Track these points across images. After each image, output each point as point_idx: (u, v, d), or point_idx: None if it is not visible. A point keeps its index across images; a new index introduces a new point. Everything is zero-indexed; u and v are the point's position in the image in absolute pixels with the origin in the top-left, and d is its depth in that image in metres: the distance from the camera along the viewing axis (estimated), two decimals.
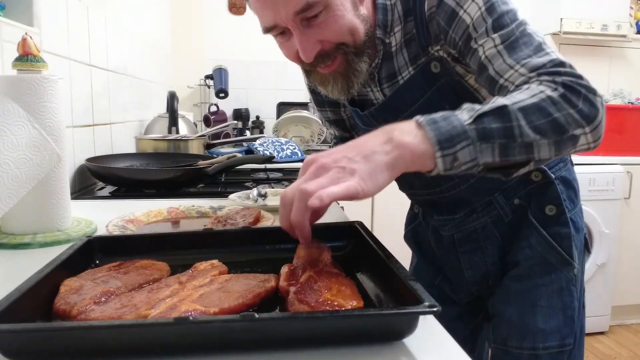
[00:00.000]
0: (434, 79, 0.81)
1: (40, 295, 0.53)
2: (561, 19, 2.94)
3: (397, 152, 0.57)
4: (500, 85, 0.70)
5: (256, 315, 0.45)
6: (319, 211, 0.63)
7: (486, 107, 0.61)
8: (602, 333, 2.72)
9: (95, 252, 0.69)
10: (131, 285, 0.59)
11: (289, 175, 1.65)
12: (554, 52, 0.70)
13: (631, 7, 3.18)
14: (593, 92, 0.65)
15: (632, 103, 2.93)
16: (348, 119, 1.06)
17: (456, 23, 0.74)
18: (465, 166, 0.60)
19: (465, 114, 0.60)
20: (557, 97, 0.62)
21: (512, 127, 0.60)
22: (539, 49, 0.70)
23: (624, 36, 3.07)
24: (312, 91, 1.05)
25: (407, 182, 0.99)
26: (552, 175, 0.88)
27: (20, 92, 0.80)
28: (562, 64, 0.67)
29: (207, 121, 2.81)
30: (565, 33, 2.96)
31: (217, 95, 2.80)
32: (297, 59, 0.78)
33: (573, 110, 0.63)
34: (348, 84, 0.80)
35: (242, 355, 0.46)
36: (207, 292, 0.55)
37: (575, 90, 0.64)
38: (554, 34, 2.99)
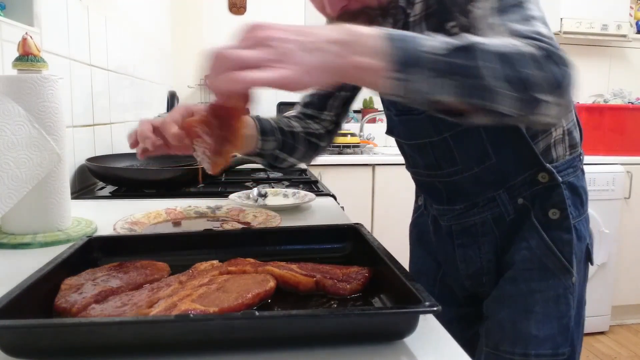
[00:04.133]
0: None
1: (40, 293, 0.54)
2: (561, 19, 2.94)
3: (345, 62, 0.54)
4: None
5: (256, 313, 0.45)
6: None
7: (460, 41, 0.58)
8: (602, 333, 2.72)
9: (95, 252, 0.69)
10: (131, 285, 0.59)
11: (289, 175, 1.65)
12: (544, 26, 0.66)
13: (631, 7, 3.18)
14: (570, 66, 0.63)
15: (632, 103, 2.93)
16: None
17: None
18: (417, 95, 0.57)
19: (437, 42, 0.57)
20: (530, 54, 0.60)
21: (478, 67, 0.57)
22: (528, 18, 0.67)
23: (624, 36, 3.07)
24: None
25: (412, 160, 0.99)
26: (560, 178, 0.86)
27: (20, 92, 0.80)
28: (544, 36, 0.64)
29: None
30: (565, 33, 2.96)
31: None
32: (324, 10, 0.81)
33: (541, 75, 0.60)
34: None
35: (242, 353, 0.46)
36: (206, 291, 0.55)
37: (555, 56, 0.62)
38: (554, 33, 3.00)
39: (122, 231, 0.81)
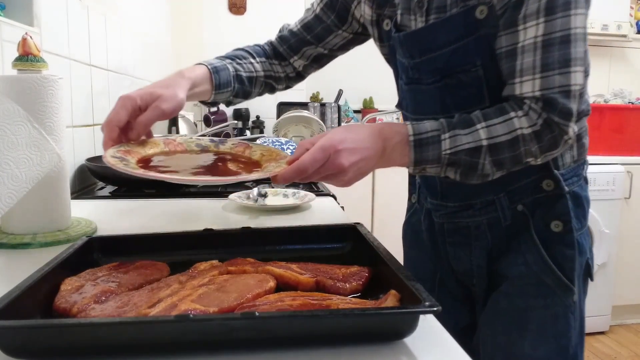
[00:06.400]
0: (474, 26, 0.76)
1: (40, 293, 0.54)
2: None
3: (383, 163, 0.74)
4: (512, 82, 0.74)
5: (256, 314, 0.45)
6: None
7: (468, 143, 0.72)
8: (602, 333, 2.72)
9: (95, 252, 0.69)
10: (131, 285, 0.59)
11: None
12: (577, 72, 0.71)
13: (631, 7, 3.18)
14: (565, 133, 0.73)
15: (632, 103, 2.93)
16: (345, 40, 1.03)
17: None
18: (429, 173, 0.76)
19: (448, 143, 0.72)
20: (529, 134, 0.72)
21: (478, 163, 0.73)
22: (566, 64, 0.70)
23: (624, 36, 3.07)
24: None
25: None
26: (566, 188, 0.81)
27: (20, 92, 0.80)
28: (567, 93, 0.71)
29: (207, 121, 2.81)
30: None
31: None
32: None
33: (536, 146, 0.73)
34: None
35: (242, 353, 0.46)
36: (206, 292, 0.55)
37: (550, 128, 0.72)
38: None
39: (112, 160, 0.71)
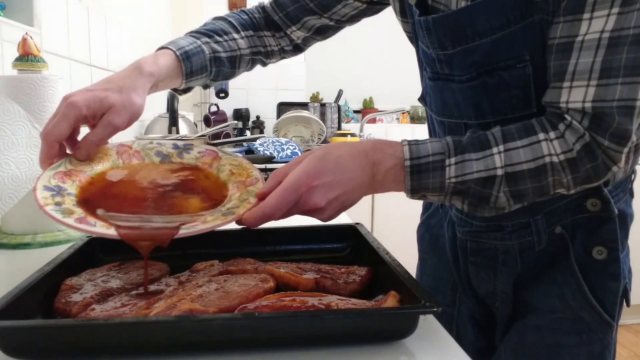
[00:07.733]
0: (527, 10, 0.61)
1: (40, 293, 0.54)
2: None
3: (373, 191, 0.62)
4: (559, 86, 0.60)
5: (257, 314, 0.45)
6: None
7: (478, 171, 0.59)
8: None
9: (96, 252, 0.69)
10: (131, 285, 0.59)
11: None
12: None
13: None
14: (614, 162, 0.59)
15: None
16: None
17: None
18: (431, 201, 0.65)
19: (453, 170, 0.60)
20: (560, 163, 0.59)
21: (490, 195, 0.60)
22: (635, 71, 0.56)
23: None
24: None
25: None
26: (616, 210, 0.68)
27: (20, 92, 0.80)
28: (628, 110, 0.56)
29: (207, 121, 2.81)
30: None
31: (217, 95, 2.81)
32: None
33: (570, 177, 0.59)
34: None
35: (242, 353, 0.46)
36: (206, 292, 0.55)
37: (592, 155, 0.58)
38: None
39: (42, 198, 0.57)
